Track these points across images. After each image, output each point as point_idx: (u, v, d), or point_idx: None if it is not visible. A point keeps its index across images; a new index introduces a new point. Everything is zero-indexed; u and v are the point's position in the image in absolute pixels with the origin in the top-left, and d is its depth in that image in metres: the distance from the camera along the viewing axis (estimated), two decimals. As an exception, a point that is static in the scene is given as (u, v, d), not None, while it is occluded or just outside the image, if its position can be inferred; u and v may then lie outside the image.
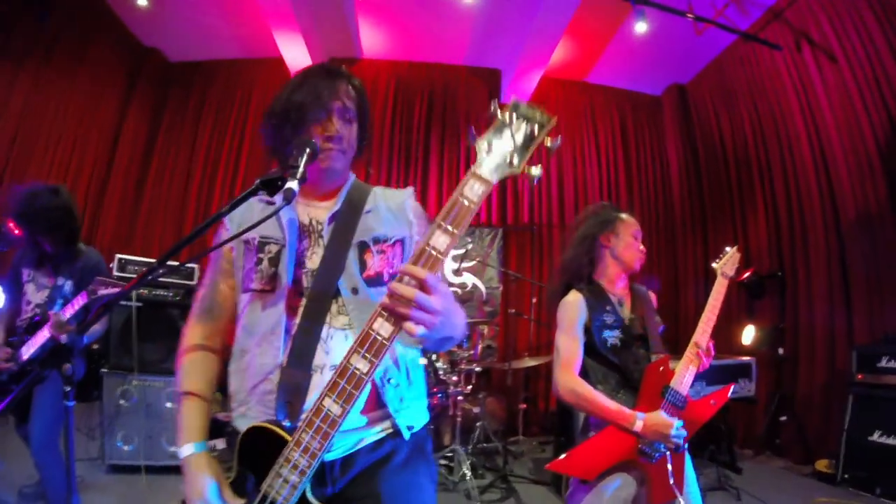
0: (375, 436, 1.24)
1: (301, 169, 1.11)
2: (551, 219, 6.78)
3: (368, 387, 1.18)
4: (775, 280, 5.31)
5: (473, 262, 5.98)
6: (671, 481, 1.89)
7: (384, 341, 0.98)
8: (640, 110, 7.27)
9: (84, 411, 4.58)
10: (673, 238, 6.85)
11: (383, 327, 0.99)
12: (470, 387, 4.57)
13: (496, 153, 1.05)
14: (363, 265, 1.29)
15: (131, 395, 3.96)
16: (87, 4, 5.76)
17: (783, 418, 4.89)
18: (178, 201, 6.82)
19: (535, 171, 1.05)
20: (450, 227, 1.00)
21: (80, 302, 2.65)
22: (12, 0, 5.03)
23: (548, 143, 1.07)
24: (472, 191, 1.02)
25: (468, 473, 3.91)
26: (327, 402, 1.01)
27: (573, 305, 2.10)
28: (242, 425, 1.18)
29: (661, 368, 2.00)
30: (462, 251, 6.00)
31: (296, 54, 6.20)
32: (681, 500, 1.90)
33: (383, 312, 0.99)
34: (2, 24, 5.05)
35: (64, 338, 1.06)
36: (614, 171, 6.99)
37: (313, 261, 1.28)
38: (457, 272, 6.14)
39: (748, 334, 5.36)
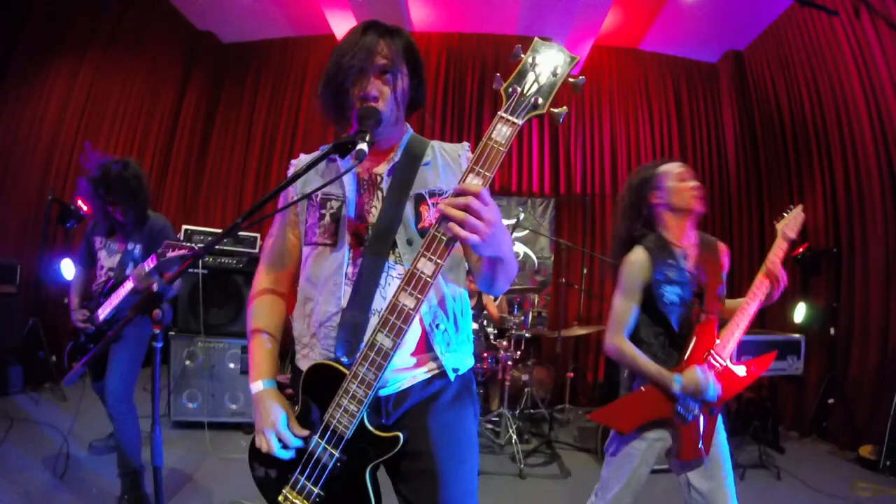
0: (424, 375, 1.34)
1: (370, 134, 1.21)
2: (604, 189, 6.75)
3: (418, 327, 1.32)
4: (831, 256, 5.16)
5: (526, 232, 6.00)
6: (700, 444, 1.96)
7: (427, 279, 1.08)
8: (695, 78, 7.05)
9: (151, 371, 5.01)
10: (729, 210, 6.70)
11: (426, 266, 1.07)
12: (519, 353, 4.66)
13: (521, 95, 1.09)
14: (419, 217, 1.35)
15: (197, 356, 4.24)
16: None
17: (831, 401, 4.78)
18: (237, 176, 7.15)
19: (560, 110, 1.09)
20: (482, 170, 1.06)
21: (150, 264, 2.78)
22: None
23: (571, 80, 1.10)
24: (500, 134, 1.07)
25: (514, 437, 4.05)
26: (380, 336, 1.11)
27: (635, 265, 2.08)
28: (305, 366, 1.32)
29: (708, 331, 2.03)
30: (514, 221, 6.05)
31: (346, 30, 6.26)
32: (706, 461, 1.97)
33: (426, 252, 1.07)
34: (64, 14, 5.33)
35: (155, 286, 1.21)
36: (668, 141, 6.85)
37: (373, 214, 1.35)
38: (508, 241, 6.20)
39: (799, 312, 5.22)
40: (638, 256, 2.08)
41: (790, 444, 4.69)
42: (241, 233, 4.63)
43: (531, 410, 4.94)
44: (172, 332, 4.25)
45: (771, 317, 5.53)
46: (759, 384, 4.62)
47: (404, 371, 1.32)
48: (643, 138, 6.84)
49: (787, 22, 5.81)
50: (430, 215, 1.35)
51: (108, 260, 3.09)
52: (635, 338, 2.10)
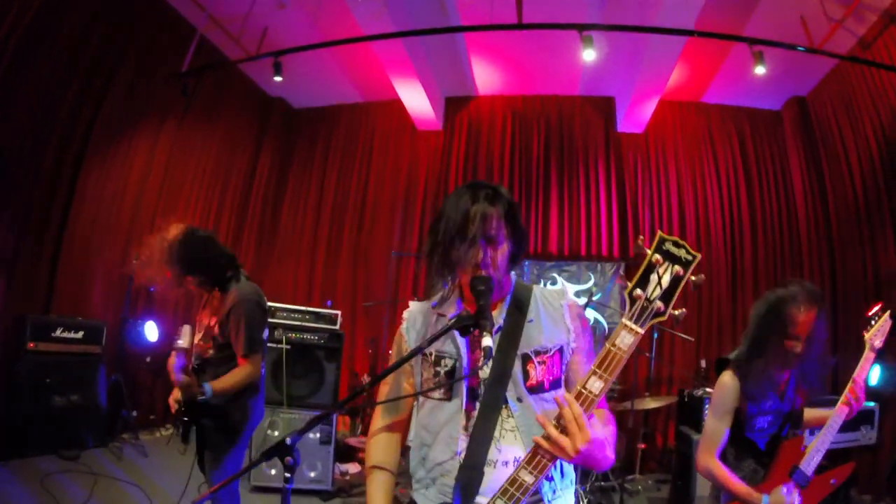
0: None
1: (491, 320, 1.31)
2: (673, 248, 6.62)
3: None
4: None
5: (599, 296, 5.95)
6: None
7: (529, 486, 1.18)
8: (759, 127, 6.91)
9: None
10: (799, 266, 6.46)
11: (528, 478, 1.18)
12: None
13: (645, 301, 1.14)
14: (526, 375, 1.42)
15: (278, 425, 4.42)
16: (216, 62, 6.22)
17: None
18: (309, 241, 7.44)
19: (679, 312, 1.13)
20: (604, 374, 1.14)
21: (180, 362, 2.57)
22: (151, 61, 5.63)
23: (692, 279, 1.13)
24: (624, 341, 1.13)
25: (585, 512, 4.03)
26: (499, 503, 1.20)
27: (727, 391, 2.10)
28: (419, 498, 1.46)
29: (795, 447, 2.06)
30: (585, 287, 6.05)
31: (413, 96, 6.52)
32: None
33: (526, 466, 1.18)
34: (142, 84, 5.61)
35: (288, 440, 1.30)
36: (735, 195, 6.72)
37: (484, 371, 1.41)
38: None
39: (874, 375, 4.89)
40: (730, 382, 2.11)
41: (864, 510, 4.50)
42: (321, 310, 4.87)
43: (601, 483, 4.88)
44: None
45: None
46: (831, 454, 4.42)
47: None
48: (710, 193, 6.75)
49: (849, 66, 5.63)
50: (536, 373, 1.43)
51: (197, 335, 2.89)
52: (722, 454, 2.14)
